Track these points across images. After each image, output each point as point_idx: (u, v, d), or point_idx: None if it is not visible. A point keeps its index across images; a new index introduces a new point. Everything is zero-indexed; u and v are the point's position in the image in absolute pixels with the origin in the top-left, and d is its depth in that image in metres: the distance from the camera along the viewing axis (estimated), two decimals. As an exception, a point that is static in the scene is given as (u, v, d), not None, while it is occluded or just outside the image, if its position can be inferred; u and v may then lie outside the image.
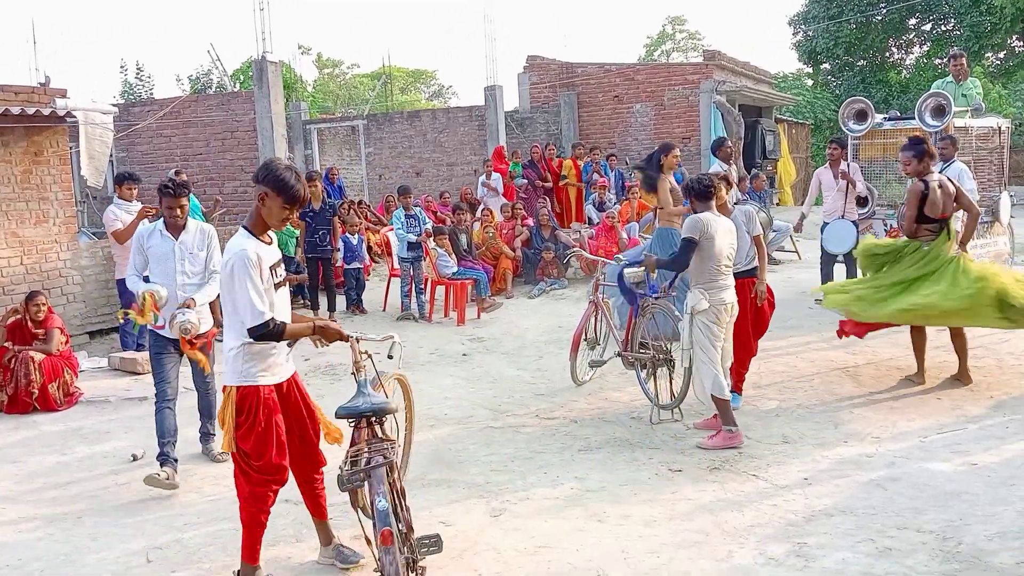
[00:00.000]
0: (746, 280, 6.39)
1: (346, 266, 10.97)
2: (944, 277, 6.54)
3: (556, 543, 4.38)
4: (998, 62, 28.24)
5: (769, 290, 6.63)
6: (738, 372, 6.54)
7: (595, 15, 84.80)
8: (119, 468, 5.91)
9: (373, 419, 3.85)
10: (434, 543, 3.86)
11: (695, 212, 5.90)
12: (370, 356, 4.19)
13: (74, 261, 9.49)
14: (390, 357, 4.38)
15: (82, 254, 9.61)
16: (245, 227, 3.91)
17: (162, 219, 5.72)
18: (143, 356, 8.38)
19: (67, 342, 7.81)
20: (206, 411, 6.04)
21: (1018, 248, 11.29)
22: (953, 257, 6.62)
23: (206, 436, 6.07)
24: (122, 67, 26.99)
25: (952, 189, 6.75)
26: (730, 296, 5.88)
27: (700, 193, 5.83)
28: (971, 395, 6.54)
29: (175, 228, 5.69)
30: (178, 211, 5.65)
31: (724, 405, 5.74)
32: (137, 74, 26.31)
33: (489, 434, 6.26)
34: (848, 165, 9.52)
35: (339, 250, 10.62)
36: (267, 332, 3.76)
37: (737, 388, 6.55)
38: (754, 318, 6.47)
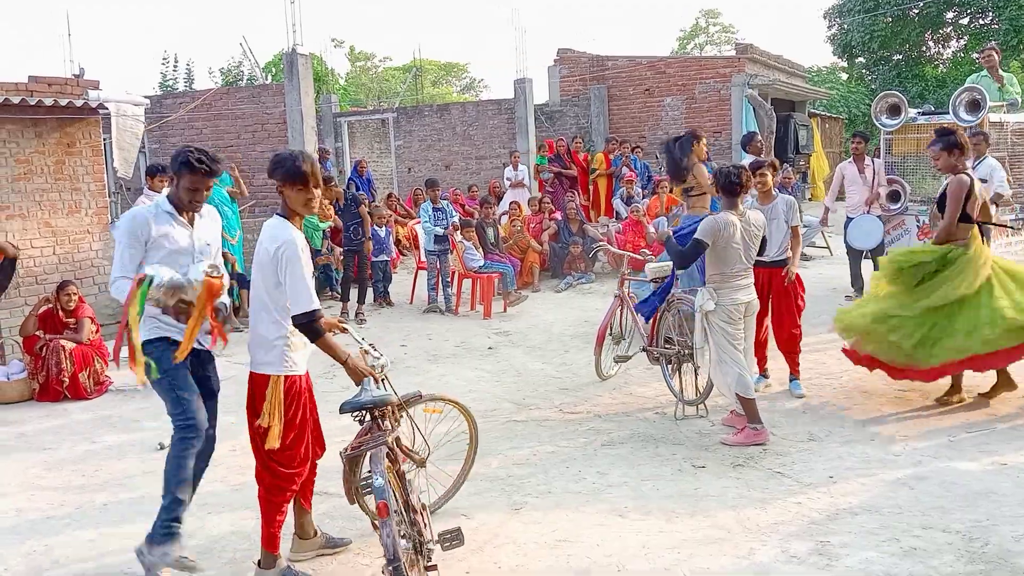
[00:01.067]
0: (780, 270, 6.53)
1: (373, 259, 11.01)
2: (983, 300, 5.89)
3: (576, 537, 4.37)
4: (1037, 57, 27.67)
5: (800, 280, 6.64)
6: (790, 361, 6.74)
7: (627, 7, 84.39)
8: (146, 456, 5.98)
9: (376, 411, 3.86)
10: (455, 537, 3.89)
11: (720, 207, 5.85)
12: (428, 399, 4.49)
13: (106, 251, 9.60)
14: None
15: (114, 244, 9.71)
16: (281, 215, 3.94)
17: (168, 201, 4.15)
18: (172, 346, 8.48)
19: (98, 331, 7.92)
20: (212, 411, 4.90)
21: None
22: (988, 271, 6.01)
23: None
24: (164, 59, 27.14)
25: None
26: (745, 295, 5.77)
27: (725, 187, 5.73)
28: (1002, 395, 6.42)
29: (190, 214, 4.22)
30: (204, 194, 4.21)
31: (749, 404, 5.68)
32: (175, 66, 26.57)
33: (512, 428, 6.26)
34: (873, 161, 9.38)
35: (371, 239, 10.63)
36: (311, 324, 3.77)
37: (795, 373, 6.77)
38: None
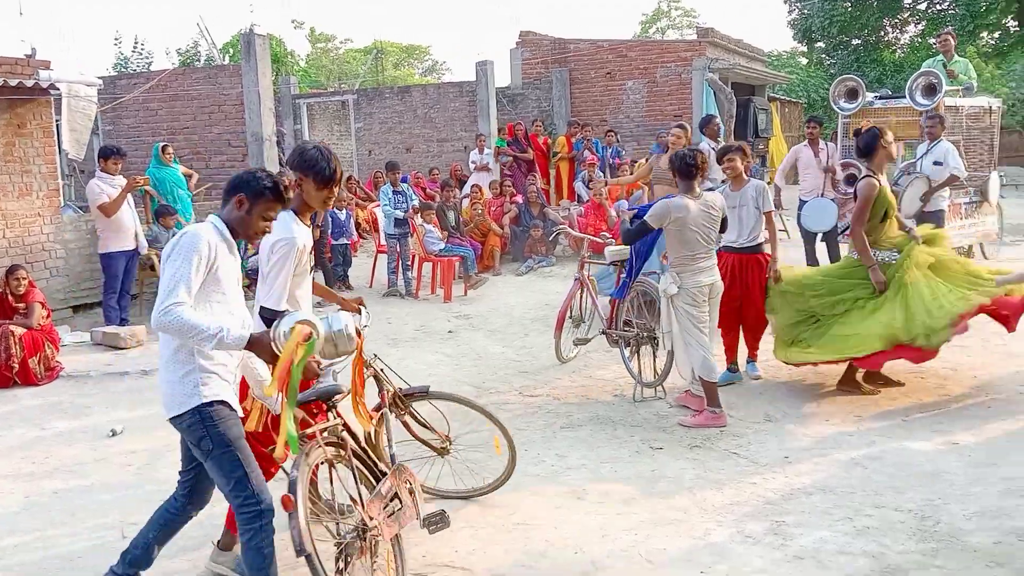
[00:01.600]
0: (750, 256, 6.41)
1: (333, 242, 10.91)
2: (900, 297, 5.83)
3: (534, 520, 4.37)
4: (993, 42, 28.11)
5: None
6: (751, 343, 6.70)
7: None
8: (97, 443, 5.86)
9: (326, 403, 3.77)
10: (440, 520, 3.96)
11: (678, 189, 5.84)
12: (377, 358, 4.37)
13: (57, 235, 9.40)
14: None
15: (66, 228, 9.51)
16: (293, 211, 3.81)
17: (225, 225, 3.45)
18: (126, 331, 8.35)
19: (48, 316, 7.75)
20: None
21: (1006, 228, 11.30)
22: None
23: None
24: (117, 39, 26.58)
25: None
26: (708, 277, 5.74)
27: (682, 170, 5.70)
28: (954, 375, 6.53)
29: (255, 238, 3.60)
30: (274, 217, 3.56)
31: (711, 387, 5.71)
32: (135, 47, 26.04)
33: (471, 411, 6.22)
34: (827, 145, 9.45)
35: (320, 227, 10.51)
36: (269, 321, 3.61)
37: (753, 356, 6.75)
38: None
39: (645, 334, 6.43)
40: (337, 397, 3.75)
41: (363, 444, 3.96)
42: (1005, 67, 26.81)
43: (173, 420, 3.35)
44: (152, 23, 71.26)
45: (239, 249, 3.65)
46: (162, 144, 10.38)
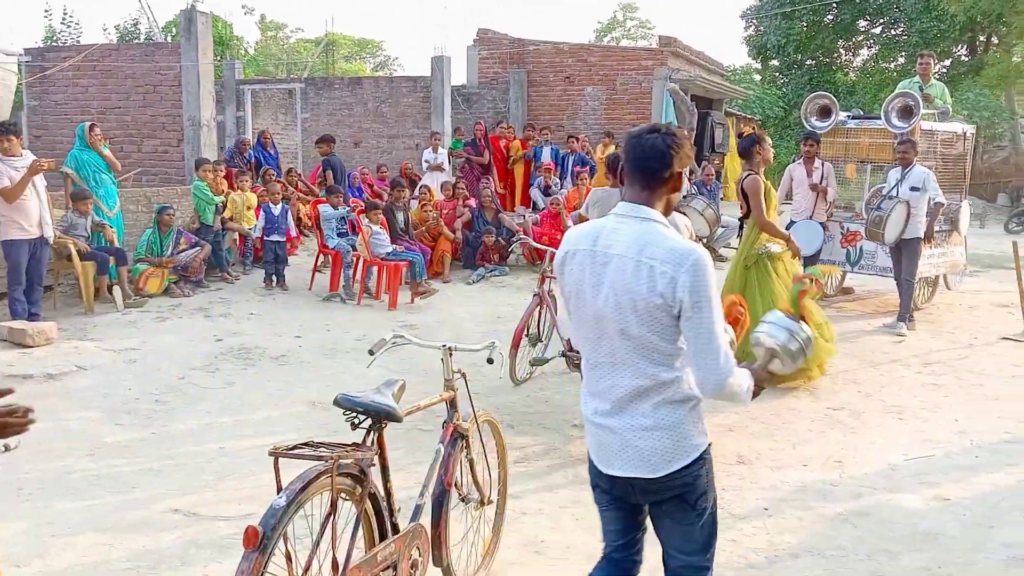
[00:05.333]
0: None
1: (265, 238, 10.15)
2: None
3: (486, 580, 3.78)
4: (944, 70, 28.32)
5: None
6: None
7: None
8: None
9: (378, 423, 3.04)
10: None
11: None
12: (464, 375, 3.60)
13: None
14: (490, 361, 3.65)
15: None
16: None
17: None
18: (34, 327, 7.53)
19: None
20: None
21: (971, 259, 11.07)
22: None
23: None
24: (46, 12, 25.31)
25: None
26: None
27: (615, 171, 5.48)
28: (933, 416, 6.13)
29: None
30: None
31: None
32: (64, 20, 24.81)
33: (416, 438, 5.63)
34: (823, 164, 9.05)
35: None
36: None
37: None
38: None
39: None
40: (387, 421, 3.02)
41: (389, 486, 3.18)
42: (957, 95, 27.05)
43: (669, 477, 2.54)
44: (95, -1, 68.87)
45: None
46: (89, 123, 9.52)
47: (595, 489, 2.75)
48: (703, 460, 2.59)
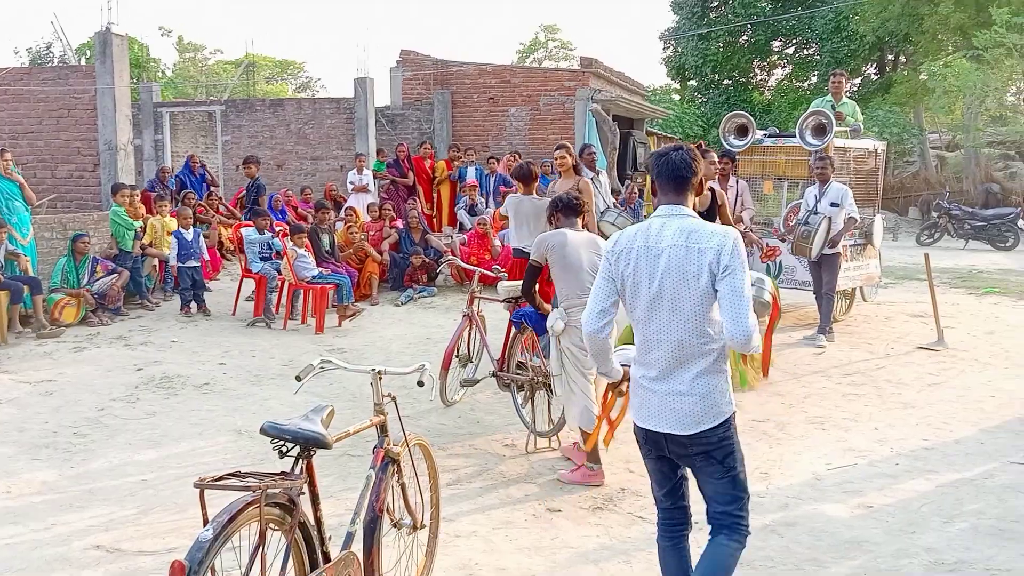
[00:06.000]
0: None
1: (180, 265, 9.92)
2: None
3: (420, 607, 3.73)
4: (854, 88, 29.33)
5: None
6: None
7: (469, 16, 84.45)
8: None
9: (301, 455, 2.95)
10: None
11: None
12: (394, 399, 3.50)
13: None
14: (420, 384, 3.56)
15: None
16: None
17: None
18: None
19: None
20: None
21: (885, 271, 11.44)
22: None
23: None
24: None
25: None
26: None
27: (562, 210, 5.52)
28: (855, 426, 6.30)
29: None
30: None
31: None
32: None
33: (346, 464, 5.54)
34: (737, 182, 9.25)
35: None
36: None
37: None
38: None
39: (540, 378, 5.90)
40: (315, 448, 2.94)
41: (319, 514, 3.09)
42: (868, 112, 28.08)
43: (703, 434, 3.11)
44: None
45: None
46: (-1, 150, 9.20)
47: (640, 445, 3.33)
48: (728, 425, 3.14)
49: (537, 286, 5.72)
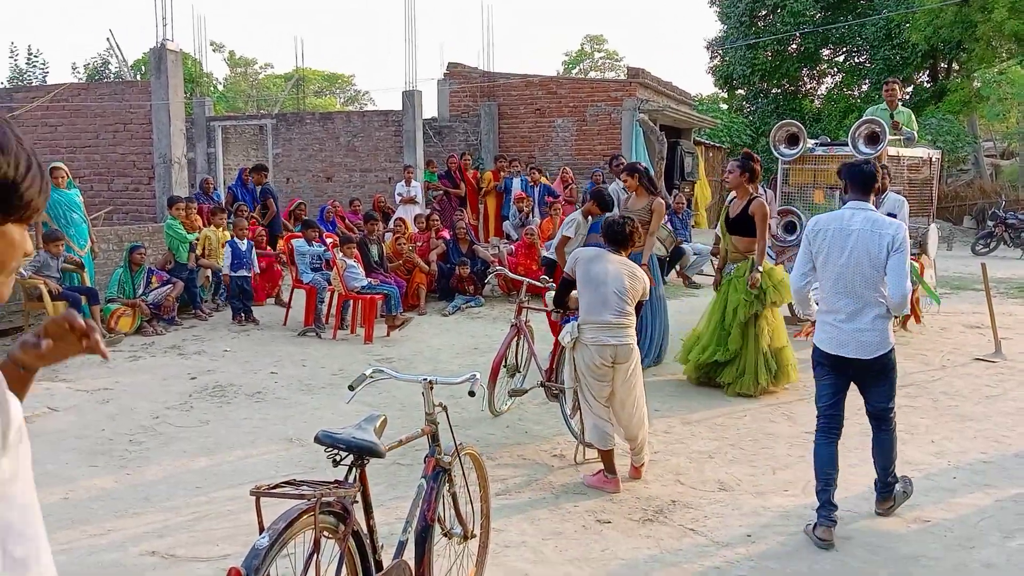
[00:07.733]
0: None
1: (232, 274, 10.09)
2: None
3: (471, 616, 3.73)
4: (906, 97, 28.88)
5: None
6: None
7: (516, 29, 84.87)
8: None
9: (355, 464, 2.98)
10: None
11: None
12: (445, 408, 3.49)
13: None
14: (471, 394, 3.58)
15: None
16: None
17: None
18: None
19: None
20: None
21: (940, 282, 11.21)
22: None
23: None
24: (12, 52, 25.16)
25: None
26: (612, 338, 5.13)
27: (609, 237, 5.39)
28: (911, 439, 6.16)
29: None
30: None
31: (605, 455, 5.28)
32: (29, 59, 24.69)
33: (396, 472, 5.57)
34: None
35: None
36: None
37: None
38: None
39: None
40: (369, 457, 2.97)
41: (372, 523, 3.11)
42: (921, 121, 27.64)
43: (879, 357, 4.46)
44: (58, 38, 68.62)
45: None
46: (52, 166, 9.42)
47: (818, 367, 4.65)
48: (893, 350, 4.53)
49: (569, 297, 5.69)
